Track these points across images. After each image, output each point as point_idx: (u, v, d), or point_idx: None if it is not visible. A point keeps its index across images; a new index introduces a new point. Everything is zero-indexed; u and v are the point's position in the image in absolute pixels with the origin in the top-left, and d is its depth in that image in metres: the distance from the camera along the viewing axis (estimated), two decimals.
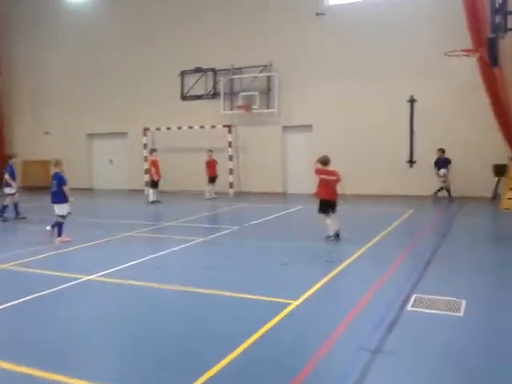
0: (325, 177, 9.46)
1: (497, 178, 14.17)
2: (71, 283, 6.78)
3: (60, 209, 9.47)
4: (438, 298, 5.74)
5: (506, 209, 12.45)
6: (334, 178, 9.37)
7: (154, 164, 16.17)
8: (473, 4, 13.23)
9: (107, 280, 6.96)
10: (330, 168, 9.57)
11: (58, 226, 9.48)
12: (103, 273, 7.27)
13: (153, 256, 8.38)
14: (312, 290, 6.16)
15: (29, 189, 21.36)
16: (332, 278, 6.74)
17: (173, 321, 5.38)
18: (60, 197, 9.48)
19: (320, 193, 9.52)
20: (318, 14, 16.88)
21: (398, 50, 15.84)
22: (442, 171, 14.54)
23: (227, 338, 4.78)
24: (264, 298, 5.94)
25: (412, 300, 5.71)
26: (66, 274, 7.18)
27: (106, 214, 14.58)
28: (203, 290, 6.31)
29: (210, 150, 17.21)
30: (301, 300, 5.79)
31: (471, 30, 13.24)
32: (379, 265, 7.40)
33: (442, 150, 14.77)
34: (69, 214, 9.67)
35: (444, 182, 14.70)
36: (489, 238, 9.72)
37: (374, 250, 8.47)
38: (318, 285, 6.39)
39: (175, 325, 5.26)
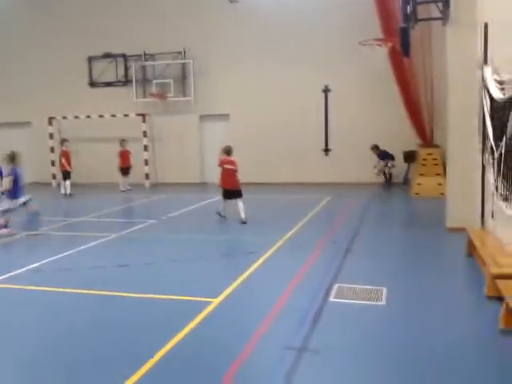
0: (228, 166, 10.06)
1: (407, 164, 14.75)
2: None
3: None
4: (360, 287, 5.70)
5: (416, 194, 12.97)
6: (234, 167, 10.06)
7: (66, 155, 15.19)
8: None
9: (6, 286, 6.22)
10: (232, 158, 10.13)
11: None
12: (1, 278, 6.52)
13: (60, 256, 7.69)
14: (232, 286, 5.88)
15: None
16: (252, 272, 6.50)
17: (77, 329, 4.85)
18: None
19: (224, 183, 10.11)
20: (231, 1, 16.51)
21: (312, 38, 15.91)
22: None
23: (142, 345, 4.37)
24: (181, 298, 5.58)
25: (334, 290, 5.61)
26: None
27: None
28: (114, 293, 5.81)
29: (123, 140, 16.35)
30: (221, 298, 5.49)
31: (382, 19, 13.56)
32: (300, 255, 7.28)
33: (377, 147, 14.98)
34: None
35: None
36: (402, 223, 10.02)
37: (294, 239, 8.37)
38: (239, 280, 6.12)
39: (80, 333, 4.74)
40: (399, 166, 14.89)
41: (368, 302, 5.25)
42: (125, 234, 9.30)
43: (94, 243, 8.53)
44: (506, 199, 5.40)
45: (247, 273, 6.42)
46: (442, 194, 12.64)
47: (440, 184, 12.89)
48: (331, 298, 5.38)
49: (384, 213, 11.09)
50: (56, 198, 14.88)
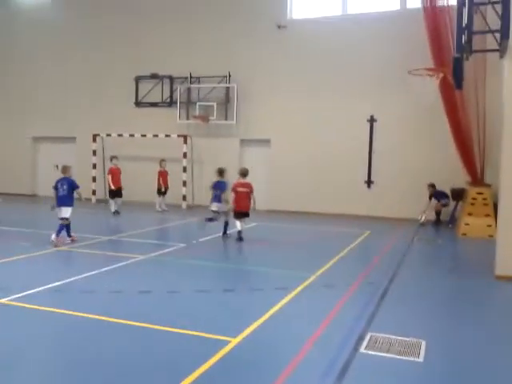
0: (241, 189, 10.83)
1: (454, 203, 13.93)
2: None
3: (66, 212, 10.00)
4: (395, 337, 5.11)
5: (464, 234, 12.15)
6: (247, 189, 10.81)
7: (113, 173, 15.12)
8: (435, 25, 13.07)
9: (21, 305, 6.00)
10: (247, 180, 11.00)
11: (66, 228, 10.11)
12: (19, 295, 6.31)
13: (84, 276, 7.45)
14: (254, 325, 5.41)
15: None
16: (278, 310, 6.01)
17: (81, 361, 4.50)
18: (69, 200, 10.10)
19: (237, 205, 10.83)
20: (279, 27, 16.41)
21: (359, 67, 15.53)
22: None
23: None
24: (198, 334, 5.15)
25: (366, 340, 5.05)
26: None
27: (45, 224, 13.41)
28: (129, 322, 5.46)
29: (163, 160, 16.31)
30: (240, 338, 5.03)
31: (434, 49, 13.07)
32: (331, 295, 6.74)
33: (433, 185, 14.19)
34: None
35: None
36: (447, 267, 9.25)
37: (326, 276, 7.82)
38: (263, 318, 5.64)
39: (83, 366, 4.39)
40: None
41: (404, 358, 4.66)
42: (152, 256, 9.01)
43: (119, 264, 8.29)
44: None
45: (272, 311, 5.94)
46: (490, 235, 11.86)
47: (489, 225, 12.06)
48: (362, 349, 4.82)
49: (427, 253, 10.35)
50: (93, 215, 14.87)
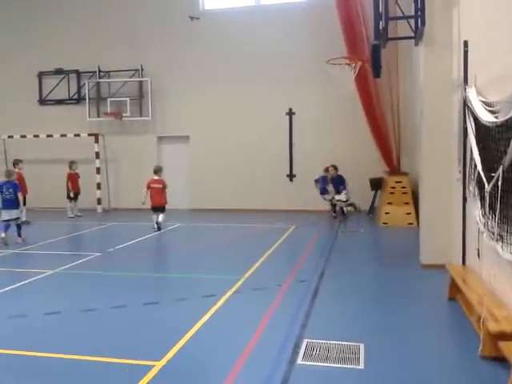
0: (155, 185, 11.85)
1: (373, 192, 14.13)
2: None
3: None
4: (333, 343, 4.80)
5: (384, 223, 12.31)
6: (160, 185, 11.85)
7: (20, 178, 13.38)
8: (348, 14, 13.10)
9: None
10: (160, 177, 11.97)
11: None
12: None
13: None
14: (181, 343, 4.87)
15: None
16: (206, 322, 5.50)
17: None
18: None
19: (152, 201, 11.85)
20: (192, 18, 15.76)
21: (275, 59, 15.27)
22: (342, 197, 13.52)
23: None
24: (117, 361, 4.51)
25: (303, 348, 4.69)
26: None
27: None
28: (33, 353, 4.71)
29: (73, 162, 15.08)
30: (165, 360, 4.47)
31: (348, 40, 13.10)
32: (263, 299, 6.34)
33: (335, 167, 13.76)
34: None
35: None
36: (373, 258, 9.20)
37: (256, 277, 7.42)
38: (189, 333, 5.12)
39: None
40: (365, 194, 14.20)
41: (344, 366, 4.33)
42: (63, 269, 8.12)
43: (23, 282, 7.36)
44: (499, 239, 4.65)
45: (200, 323, 5.41)
46: (410, 223, 12.14)
47: (409, 213, 12.32)
48: (299, 360, 4.44)
49: (352, 245, 10.29)
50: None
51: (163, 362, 4.45)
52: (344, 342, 4.81)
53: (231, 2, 15.93)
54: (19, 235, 10.69)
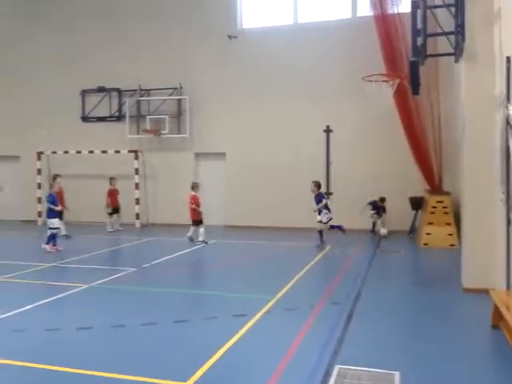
0: (190, 202, 12.66)
1: (414, 212, 13.73)
2: None
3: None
4: (366, 370, 4.60)
5: (425, 244, 11.91)
6: (191, 201, 12.60)
7: (59, 192, 13.72)
8: (386, 32, 12.94)
9: None
10: (193, 193, 12.67)
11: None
12: None
13: (17, 311, 6.61)
14: (209, 364, 4.78)
15: None
16: (236, 342, 5.39)
17: None
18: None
19: (191, 215, 12.72)
20: (230, 37, 15.96)
21: (313, 77, 15.22)
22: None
23: None
24: (145, 380, 4.46)
25: (334, 375, 4.50)
26: None
27: None
28: (65, 369, 4.72)
29: (113, 178, 15.42)
30: (191, 381, 4.39)
31: (386, 58, 12.92)
32: (294, 321, 6.19)
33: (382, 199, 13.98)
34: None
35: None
36: (412, 281, 8.87)
37: (288, 298, 7.27)
38: (218, 354, 5.02)
39: None
40: (405, 213, 13.81)
41: None
42: (98, 284, 8.22)
43: (60, 295, 7.48)
44: None
45: (229, 344, 5.31)
46: (452, 245, 11.69)
47: (451, 234, 11.88)
48: None
49: (391, 266, 9.97)
50: (40, 238, 13.80)
51: (189, 383, 4.36)
52: (378, 370, 4.59)
53: (269, 20, 16.04)
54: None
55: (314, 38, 15.17)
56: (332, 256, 11.06)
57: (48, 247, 11.57)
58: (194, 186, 12.74)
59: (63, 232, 13.49)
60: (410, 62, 7.44)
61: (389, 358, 4.94)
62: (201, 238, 12.47)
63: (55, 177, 13.85)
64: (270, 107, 15.68)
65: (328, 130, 15.39)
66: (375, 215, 13.91)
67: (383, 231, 13.49)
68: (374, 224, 14.02)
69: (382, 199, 13.91)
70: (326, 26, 15.24)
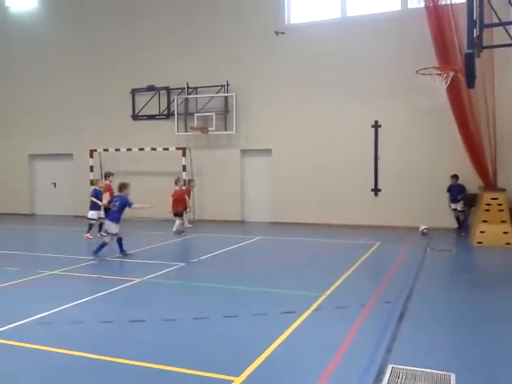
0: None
1: (467, 209, 13.29)
2: None
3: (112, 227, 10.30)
4: (420, 370, 4.49)
5: (479, 243, 11.50)
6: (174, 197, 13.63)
7: (108, 189, 14.01)
8: (439, 24, 12.54)
9: (3, 341, 5.41)
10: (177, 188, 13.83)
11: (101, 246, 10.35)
12: (1, 329, 5.73)
13: (74, 304, 6.87)
14: (260, 359, 4.80)
15: None
16: (286, 339, 5.39)
17: None
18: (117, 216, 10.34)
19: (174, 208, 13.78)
20: (277, 33, 15.93)
21: (361, 71, 15.00)
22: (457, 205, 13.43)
23: None
24: (196, 373, 4.54)
25: (387, 374, 4.43)
26: None
27: (38, 246, 12.91)
28: (118, 359, 4.86)
29: (179, 180, 15.24)
30: (244, 376, 4.43)
31: (439, 50, 12.53)
32: (344, 318, 6.13)
33: (456, 176, 13.54)
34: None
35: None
36: (467, 281, 8.57)
37: (338, 295, 7.20)
38: (269, 350, 5.04)
39: None
40: (447, 208, 13.42)
41: None
42: (150, 278, 8.42)
43: (114, 289, 7.70)
44: None
45: (279, 341, 5.31)
46: (508, 243, 11.25)
47: (506, 232, 11.44)
48: None
49: (443, 265, 9.70)
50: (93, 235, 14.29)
51: (242, 377, 4.40)
52: (433, 371, 4.48)
53: (317, 15, 15.90)
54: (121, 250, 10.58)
55: (363, 31, 14.93)
56: (381, 254, 10.87)
57: (88, 235, 13.03)
58: (178, 182, 14.02)
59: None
60: (466, 54, 7.18)
61: (442, 359, 4.81)
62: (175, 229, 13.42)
63: (108, 175, 14.34)
64: (317, 103, 15.57)
65: (376, 125, 15.11)
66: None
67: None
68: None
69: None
70: (375, 18, 14.96)
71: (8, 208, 19.47)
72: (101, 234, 12.79)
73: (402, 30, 14.26)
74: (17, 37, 19.32)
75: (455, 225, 13.63)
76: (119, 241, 10.49)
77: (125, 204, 10.35)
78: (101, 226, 13.01)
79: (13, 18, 19.63)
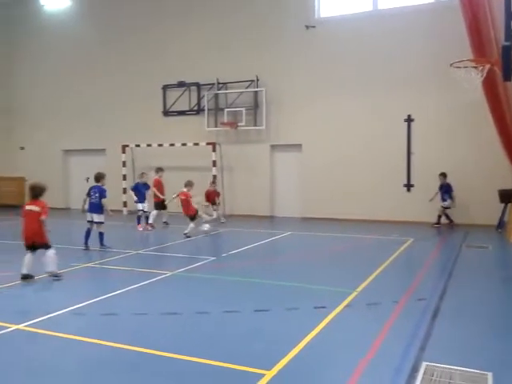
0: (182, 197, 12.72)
1: (503, 205, 12.93)
2: None
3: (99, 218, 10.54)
4: (456, 369, 4.40)
5: None
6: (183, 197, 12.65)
7: (157, 184, 14.50)
8: (474, 15, 12.18)
9: (41, 331, 5.56)
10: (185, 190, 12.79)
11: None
12: (38, 320, 5.89)
13: (108, 296, 7.02)
14: (292, 354, 4.80)
15: (1, 207, 19.99)
16: (317, 334, 5.37)
17: None
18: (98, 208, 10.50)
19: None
20: (307, 27, 15.80)
21: (393, 65, 14.76)
22: (445, 203, 13.53)
23: None
24: (228, 366, 4.56)
25: (421, 372, 4.35)
26: None
27: (71, 239, 13.15)
28: (151, 351, 4.92)
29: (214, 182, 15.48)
30: (276, 370, 4.43)
31: (474, 43, 12.15)
32: (377, 314, 6.06)
33: (444, 175, 13.59)
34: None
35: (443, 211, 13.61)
36: (503, 279, 8.35)
37: (369, 292, 7.12)
38: (300, 345, 5.02)
39: None
40: (493, 207, 13.05)
41: None
42: (181, 272, 8.51)
43: (146, 282, 7.82)
44: None
45: (311, 336, 5.29)
46: None
47: None
48: None
49: (478, 262, 9.47)
50: (123, 228, 14.54)
51: (274, 371, 4.40)
52: (469, 369, 4.38)
53: (348, 8, 15.70)
54: (101, 243, 10.58)
55: (395, 23, 14.67)
56: (414, 250, 10.70)
57: (139, 227, 13.66)
58: (188, 184, 12.94)
59: (164, 219, 14.60)
60: (503, 47, 7.02)
61: (480, 358, 4.69)
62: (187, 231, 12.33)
63: (157, 170, 14.81)
64: (348, 97, 15.40)
65: (409, 120, 14.84)
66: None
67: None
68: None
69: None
70: (406, 11, 14.68)
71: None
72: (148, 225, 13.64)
73: (435, 21, 13.97)
74: (51, 34, 19.75)
75: (493, 221, 13.20)
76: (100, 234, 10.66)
77: (103, 194, 10.58)
78: (139, 218, 13.81)
79: (47, 16, 20.08)
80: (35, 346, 5.25)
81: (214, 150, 16.80)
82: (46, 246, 8.00)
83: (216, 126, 17.06)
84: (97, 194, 10.51)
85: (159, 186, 14.48)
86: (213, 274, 8.41)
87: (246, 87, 16.71)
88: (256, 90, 16.49)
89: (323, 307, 6.27)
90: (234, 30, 16.81)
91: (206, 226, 13.02)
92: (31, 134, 20.70)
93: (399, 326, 5.67)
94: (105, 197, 10.56)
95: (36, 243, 7.96)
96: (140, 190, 13.57)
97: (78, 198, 20.07)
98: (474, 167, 13.75)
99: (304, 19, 15.84)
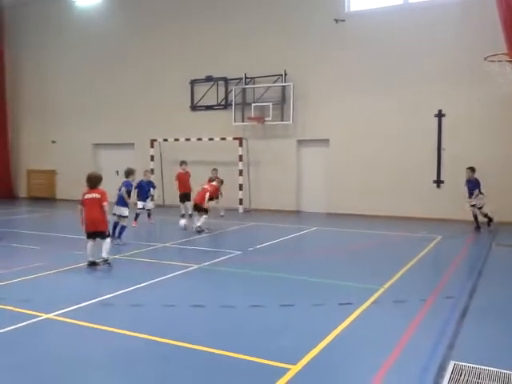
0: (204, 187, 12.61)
1: None
2: (24, 323, 5.55)
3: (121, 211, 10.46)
4: (484, 368, 4.31)
5: None
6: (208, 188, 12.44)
7: (180, 177, 14.90)
8: (509, 8, 11.85)
9: (68, 320, 5.69)
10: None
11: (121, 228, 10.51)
12: (66, 310, 6.02)
13: (135, 287, 7.11)
14: (317, 349, 4.78)
15: (33, 199, 20.48)
16: (343, 330, 5.33)
17: None
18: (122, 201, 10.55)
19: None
20: (337, 21, 15.63)
21: (424, 59, 14.48)
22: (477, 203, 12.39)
23: None
24: (253, 359, 4.58)
25: (449, 371, 4.28)
26: (21, 310, 5.96)
27: None
28: (178, 342, 4.98)
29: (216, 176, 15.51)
30: (301, 365, 4.42)
31: (508, 35, 11.84)
32: (404, 312, 5.98)
33: (472, 169, 13.00)
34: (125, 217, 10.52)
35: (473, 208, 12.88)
36: None
37: (396, 289, 7.04)
38: (326, 341, 5.00)
39: None
40: None
41: None
42: (206, 265, 8.58)
43: (172, 274, 7.91)
44: None
45: (336, 332, 5.27)
46: None
47: None
48: (444, 383, 4.06)
49: (509, 262, 9.22)
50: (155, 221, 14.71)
51: (298, 366, 4.40)
52: (498, 369, 4.29)
53: (378, 1, 15.46)
54: (118, 236, 10.48)
55: (426, 17, 14.39)
56: (443, 247, 10.50)
57: (133, 223, 12.86)
58: (219, 182, 13.27)
59: (185, 212, 14.72)
60: None
61: (506, 358, 4.59)
62: (199, 224, 12.11)
63: (180, 163, 15.12)
64: (376, 92, 15.20)
65: (440, 115, 14.55)
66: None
67: None
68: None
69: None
70: (438, 4, 14.37)
71: (73, 195, 20.33)
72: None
73: (467, 14, 13.66)
74: (82, 31, 20.06)
75: None
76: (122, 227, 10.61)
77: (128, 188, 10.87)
78: (137, 215, 13.11)
79: (78, 12, 20.40)
80: (66, 336, 5.37)
81: (240, 145, 16.83)
82: (105, 236, 8.41)
83: (243, 121, 17.07)
84: (123, 189, 10.74)
85: (182, 179, 14.88)
86: (238, 268, 8.43)
87: (274, 82, 16.66)
88: (283, 84, 16.42)
89: (349, 303, 6.23)
90: (261, 24, 16.76)
91: (183, 222, 12.69)
92: (62, 127, 21.11)
93: (427, 323, 5.59)
94: (130, 191, 10.90)
95: (97, 231, 8.33)
96: (143, 188, 13.41)
97: (108, 190, 20.55)
98: (505, 163, 13.40)
99: (333, 13, 15.67)
